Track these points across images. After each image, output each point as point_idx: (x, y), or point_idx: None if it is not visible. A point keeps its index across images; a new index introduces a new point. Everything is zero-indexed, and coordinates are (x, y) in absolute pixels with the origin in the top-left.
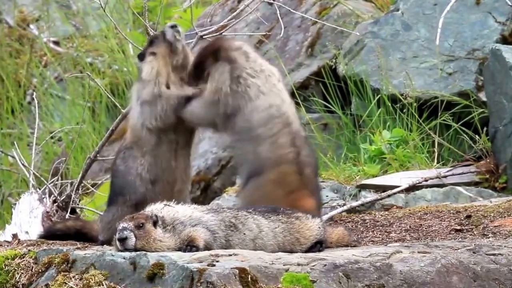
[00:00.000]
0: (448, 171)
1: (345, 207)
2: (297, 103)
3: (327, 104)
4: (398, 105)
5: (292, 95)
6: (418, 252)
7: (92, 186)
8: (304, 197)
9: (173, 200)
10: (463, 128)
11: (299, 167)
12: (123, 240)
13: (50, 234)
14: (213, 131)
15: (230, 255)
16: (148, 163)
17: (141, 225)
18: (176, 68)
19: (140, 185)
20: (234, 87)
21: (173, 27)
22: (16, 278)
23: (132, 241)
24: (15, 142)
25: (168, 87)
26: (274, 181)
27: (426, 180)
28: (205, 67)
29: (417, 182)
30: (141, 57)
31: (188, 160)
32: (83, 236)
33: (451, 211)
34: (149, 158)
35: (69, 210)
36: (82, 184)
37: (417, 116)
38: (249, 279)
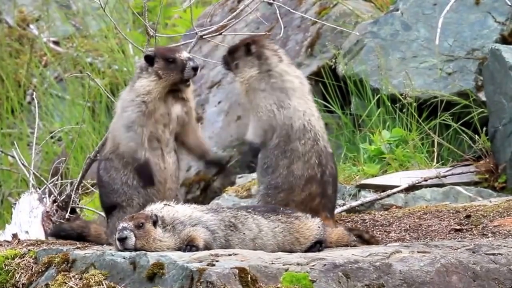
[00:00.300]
0: (447, 171)
1: (344, 207)
2: None
3: (326, 104)
4: (397, 105)
5: None
6: (418, 252)
7: (92, 186)
8: (324, 219)
9: (165, 198)
10: (463, 128)
11: (323, 189)
12: (123, 239)
13: (57, 234)
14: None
15: (229, 254)
16: (132, 173)
17: (141, 225)
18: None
19: (128, 190)
20: (264, 76)
21: (195, 69)
22: (16, 277)
23: (132, 240)
24: (15, 142)
25: (154, 108)
26: (300, 202)
27: (426, 180)
28: (235, 58)
29: (417, 182)
30: (150, 60)
31: (176, 160)
32: (84, 238)
33: (451, 211)
34: (132, 168)
35: (69, 210)
36: (82, 184)
37: (416, 116)
38: (249, 278)
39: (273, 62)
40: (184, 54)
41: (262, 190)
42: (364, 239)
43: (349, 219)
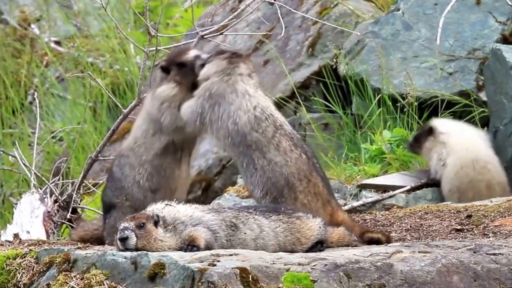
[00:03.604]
0: None
1: (346, 207)
2: (297, 103)
3: (327, 103)
4: (398, 104)
5: (293, 94)
6: (419, 252)
7: (93, 186)
8: (338, 210)
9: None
10: None
11: (318, 172)
12: (124, 239)
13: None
14: (201, 124)
15: (231, 254)
16: (147, 172)
17: (142, 225)
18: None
19: (137, 192)
20: (222, 76)
21: (203, 65)
22: (17, 277)
23: (133, 240)
24: (16, 142)
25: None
26: (308, 192)
27: (427, 181)
28: (215, 57)
29: (419, 183)
30: (165, 70)
31: (189, 170)
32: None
33: (452, 211)
34: (149, 167)
35: (70, 210)
36: (84, 184)
37: (416, 117)
38: (250, 278)
39: (240, 71)
40: (191, 54)
41: (258, 193)
42: (380, 242)
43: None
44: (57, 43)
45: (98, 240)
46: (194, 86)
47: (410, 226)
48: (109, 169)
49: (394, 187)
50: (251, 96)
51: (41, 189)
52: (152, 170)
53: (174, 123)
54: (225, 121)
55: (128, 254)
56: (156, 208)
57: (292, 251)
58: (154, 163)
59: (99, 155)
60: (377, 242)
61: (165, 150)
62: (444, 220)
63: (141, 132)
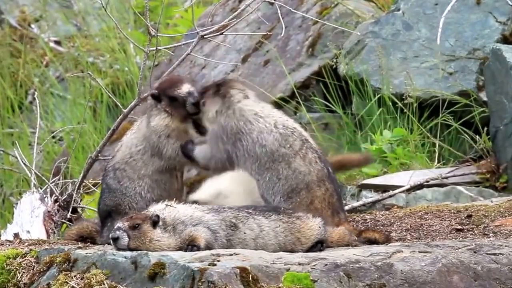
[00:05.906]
0: (449, 172)
1: (346, 207)
2: (298, 103)
3: (328, 103)
4: (399, 104)
5: (293, 94)
6: (419, 252)
7: (94, 185)
8: (345, 223)
9: None
10: (464, 128)
11: (335, 186)
12: (114, 239)
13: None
14: (230, 165)
15: (231, 254)
16: (147, 185)
17: (136, 225)
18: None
19: (141, 201)
20: (225, 113)
21: (195, 104)
22: (17, 277)
23: (124, 241)
24: (16, 142)
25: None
26: (323, 199)
27: (428, 181)
28: (204, 96)
29: (419, 182)
30: (156, 98)
31: (182, 181)
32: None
33: (452, 211)
34: (148, 181)
35: (70, 210)
36: (84, 184)
37: (413, 117)
38: (250, 278)
39: (236, 99)
40: (184, 89)
41: (279, 200)
42: (378, 243)
43: (351, 219)
44: (57, 43)
45: (92, 239)
46: (185, 117)
47: (410, 226)
48: (102, 182)
49: (394, 187)
50: (263, 117)
51: (41, 188)
52: (152, 183)
53: (177, 157)
54: (252, 149)
55: (128, 253)
56: (157, 208)
57: (292, 251)
58: (154, 177)
59: (99, 155)
60: (374, 242)
61: (164, 168)
62: (444, 220)
63: (138, 150)
